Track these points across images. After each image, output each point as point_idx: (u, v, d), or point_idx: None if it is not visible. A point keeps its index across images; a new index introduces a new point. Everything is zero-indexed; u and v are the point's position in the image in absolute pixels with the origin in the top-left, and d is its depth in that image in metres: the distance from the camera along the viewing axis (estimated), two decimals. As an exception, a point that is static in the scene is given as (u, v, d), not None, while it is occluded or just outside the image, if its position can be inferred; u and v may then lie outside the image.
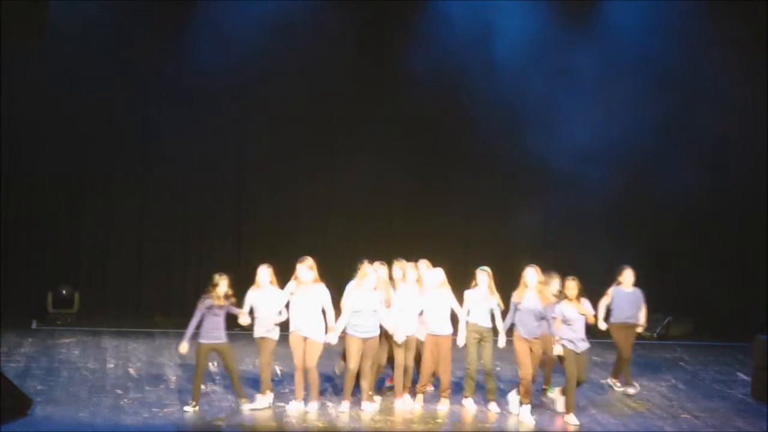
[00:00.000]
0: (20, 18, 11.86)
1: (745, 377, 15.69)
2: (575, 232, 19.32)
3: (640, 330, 14.66)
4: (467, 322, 13.23)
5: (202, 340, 12.71)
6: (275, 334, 12.98)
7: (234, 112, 19.34)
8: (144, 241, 19.28)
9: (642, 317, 14.51)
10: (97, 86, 18.73)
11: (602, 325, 14.33)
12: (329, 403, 13.18)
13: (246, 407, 12.75)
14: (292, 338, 12.90)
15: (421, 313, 13.29)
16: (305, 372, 12.87)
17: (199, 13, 18.70)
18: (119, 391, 13.47)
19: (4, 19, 11.75)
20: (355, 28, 19.27)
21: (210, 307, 12.64)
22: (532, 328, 12.88)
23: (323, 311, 12.86)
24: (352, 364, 12.82)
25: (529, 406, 12.91)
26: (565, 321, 12.73)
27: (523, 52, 18.86)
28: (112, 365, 15.11)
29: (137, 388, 13.71)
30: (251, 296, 12.98)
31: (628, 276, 14.49)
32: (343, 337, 12.98)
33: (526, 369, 12.85)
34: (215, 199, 19.56)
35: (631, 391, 14.29)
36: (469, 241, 19.57)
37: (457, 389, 13.86)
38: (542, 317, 12.90)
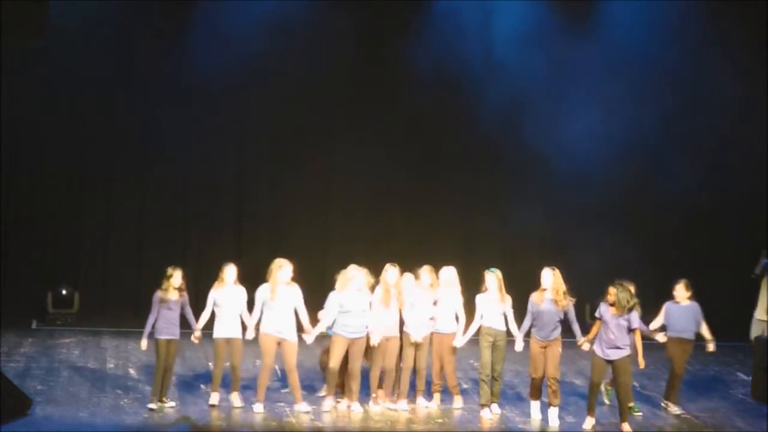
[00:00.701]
0: (20, 18, 11.85)
1: (745, 377, 15.69)
2: (575, 230, 19.29)
3: (711, 347, 13.74)
4: (481, 326, 13.07)
5: (158, 336, 12.68)
6: (240, 333, 12.83)
7: (234, 112, 19.34)
8: (144, 241, 19.27)
9: (705, 331, 13.72)
10: (97, 86, 18.74)
11: (660, 338, 13.51)
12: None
13: (167, 406, 12.64)
14: (267, 339, 12.68)
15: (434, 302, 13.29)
16: (277, 374, 12.77)
17: (199, 13, 18.69)
18: (119, 391, 13.46)
19: (4, 19, 11.75)
20: (355, 28, 19.27)
21: (161, 301, 12.61)
22: (548, 331, 12.71)
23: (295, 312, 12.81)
24: (333, 362, 12.77)
25: (538, 402, 12.91)
26: (603, 323, 12.40)
27: (524, 52, 18.86)
28: (112, 365, 15.11)
29: (137, 388, 13.70)
30: (214, 295, 12.86)
31: (679, 290, 13.81)
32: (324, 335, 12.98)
33: (537, 372, 12.79)
34: (215, 199, 19.55)
35: (676, 411, 13.51)
36: (470, 241, 19.56)
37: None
38: (559, 320, 12.74)
